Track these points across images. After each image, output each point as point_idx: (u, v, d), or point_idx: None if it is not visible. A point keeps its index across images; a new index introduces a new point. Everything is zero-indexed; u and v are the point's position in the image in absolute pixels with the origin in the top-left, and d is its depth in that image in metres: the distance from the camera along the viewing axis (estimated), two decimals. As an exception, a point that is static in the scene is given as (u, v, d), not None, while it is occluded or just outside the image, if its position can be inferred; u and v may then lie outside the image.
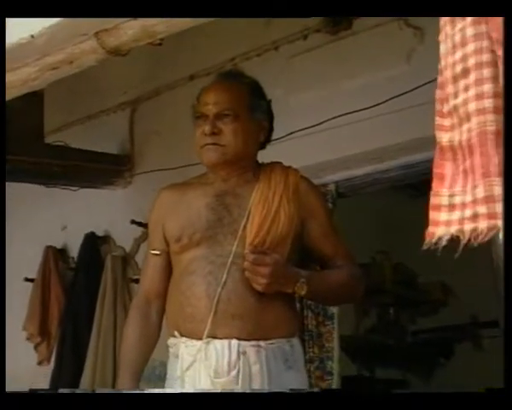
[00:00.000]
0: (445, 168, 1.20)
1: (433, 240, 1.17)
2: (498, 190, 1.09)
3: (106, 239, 3.84)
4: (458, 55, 1.17)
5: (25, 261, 4.08)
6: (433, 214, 1.19)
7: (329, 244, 1.99)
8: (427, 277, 4.67)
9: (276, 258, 1.84)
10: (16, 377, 3.56)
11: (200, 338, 1.82)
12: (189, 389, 1.83)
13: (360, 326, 4.64)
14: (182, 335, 1.88)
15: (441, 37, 1.22)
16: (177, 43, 2.70)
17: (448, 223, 1.16)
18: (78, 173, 3.68)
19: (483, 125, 1.11)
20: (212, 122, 1.93)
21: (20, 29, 1.78)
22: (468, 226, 1.12)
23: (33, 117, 3.48)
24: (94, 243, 3.82)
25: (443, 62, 1.21)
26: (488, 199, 1.09)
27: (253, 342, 1.82)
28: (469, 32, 1.16)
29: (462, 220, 1.13)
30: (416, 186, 4.21)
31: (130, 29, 1.76)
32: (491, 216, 1.09)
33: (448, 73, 1.19)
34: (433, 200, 1.19)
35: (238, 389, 1.78)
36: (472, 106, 1.13)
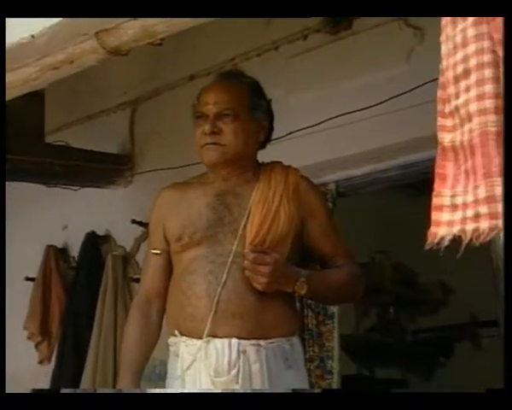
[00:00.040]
0: (446, 169, 1.20)
1: (436, 240, 1.17)
2: (500, 190, 1.09)
3: (106, 238, 3.84)
4: (459, 55, 1.17)
5: (26, 261, 4.09)
6: (435, 215, 1.19)
7: (329, 244, 2.00)
8: (427, 276, 4.68)
9: (276, 257, 1.84)
10: (17, 377, 3.58)
11: (201, 337, 1.82)
12: (189, 387, 1.83)
13: (360, 326, 4.64)
14: (182, 334, 1.88)
15: (442, 37, 1.23)
16: (177, 44, 2.71)
17: (450, 223, 1.16)
18: (79, 173, 3.68)
19: (484, 126, 1.12)
20: (212, 122, 1.94)
21: (20, 29, 1.78)
22: (469, 226, 1.12)
23: (34, 117, 3.49)
24: (95, 243, 3.82)
25: (444, 63, 1.22)
26: (489, 199, 1.10)
27: (253, 341, 1.82)
28: (470, 32, 1.16)
29: (463, 220, 1.14)
30: (415, 186, 4.22)
31: (130, 29, 1.76)
32: (492, 216, 1.09)
33: (449, 74, 1.19)
34: (435, 200, 1.20)
35: (238, 387, 1.78)
36: (473, 106, 1.14)
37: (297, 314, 2.14)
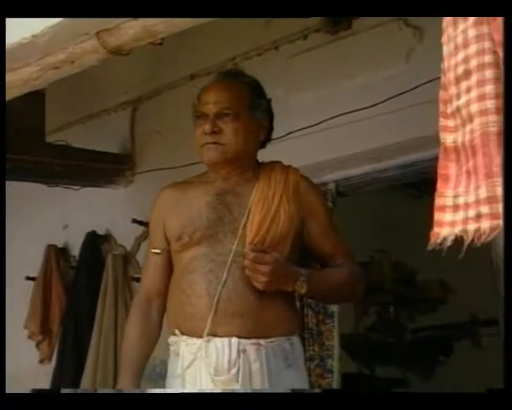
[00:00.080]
0: (449, 169, 1.21)
1: (438, 240, 1.17)
2: (501, 190, 1.09)
3: (107, 238, 3.84)
4: (460, 56, 1.18)
5: (26, 260, 4.09)
6: (437, 215, 1.19)
7: (329, 243, 2.00)
8: (427, 275, 4.68)
9: (276, 256, 1.85)
10: (18, 376, 3.58)
11: (201, 336, 1.83)
12: (189, 386, 1.83)
13: (360, 324, 4.64)
14: (182, 333, 1.88)
15: (444, 38, 1.23)
16: (177, 43, 2.71)
17: (452, 223, 1.17)
18: (80, 172, 3.68)
19: (485, 126, 1.12)
20: (212, 121, 1.94)
21: (21, 29, 1.79)
22: (471, 227, 1.13)
23: (35, 116, 3.49)
24: (95, 242, 3.82)
25: (446, 64, 1.22)
26: (491, 199, 1.10)
27: (253, 341, 1.83)
28: (471, 33, 1.17)
29: (465, 221, 1.14)
30: (414, 185, 4.23)
31: (131, 29, 1.77)
32: (493, 216, 1.10)
33: (451, 75, 1.20)
34: (438, 200, 1.20)
35: (238, 386, 1.78)
36: (474, 107, 1.14)
37: (297, 313, 2.14)
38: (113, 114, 3.93)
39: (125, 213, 3.62)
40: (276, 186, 1.97)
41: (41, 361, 3.92)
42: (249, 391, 1.78)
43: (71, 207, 4.00)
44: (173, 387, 1.89)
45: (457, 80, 1.18)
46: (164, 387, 1.95)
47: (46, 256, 4.00)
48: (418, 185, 4.25)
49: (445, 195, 1.20)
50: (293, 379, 1.87)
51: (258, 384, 1.80)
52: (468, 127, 1.15)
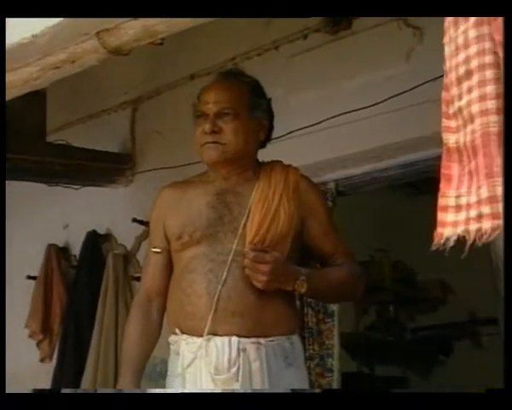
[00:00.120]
0: (452, 169, 1.21)
1: (442, 241, 1.18)
2: (501, 190, 1.10)
3: (107, 237, 3.85)
4: (461, 57, 1.18)
5: (27, 259, 4.09)
6: (440, 215, 1.20)
7: (329, 242, 2.00)
8: (426, 274, 4.69)
9: (276, 256, 1.85)
10: (19, 375, 3.59)
11: (201, 335, 1.83)
12: (189, 385, 1.84)
13: (360, 324, 4.65)
14: (182, 332, 1.89)
15: (445, 39, 1.24)
16: (177, 43, 2.71)
17: (455, 224, 1.17)
18: (80, 172, 3.69)
19: (486, 127, 1.12)
20: (212, 121, 1.94)
21: (21, 29, 1.79)
22: (473, 227, 1.13)
23: (35, 116, 3.50)
24: (95, 241, 3.83)
25: (447, 64, 1.22)
26: (492, 199, 1.11)
27: (253, 340, 1.83)
28: (472, 33, 1.17)
29: (467, 221, 1.15)
30: (414, 185, 4.23)
31: (131, 29, 1.77)
32: (494, 216, 1.10)
33: (452, 75, 1.20)
34: (441, 201, 1.20)
35: (238, 385, 1.79)
36: (475, 107, 1.14)
37: (297, 313, 2.14)
38: (113, 113, 3.93)
39: (125, 212, 3.63)
40: (276, 186, 1.97)
41: (42, 360, 3.92)
42: (249, 391, 1.78)
43: (71, 207, 4.00)
44: (174, 386, 1.89)
45: (459, 81, 1.18)
46: (164, 386, 1.96)
47: (47, 256, 4.00)
48: (418, 185, 4.26)
49: (448, 195, 1.20)
50: (293, 378, 1.87)
51: (258, 383, 1.80)
52: (469, 128, 1.16)
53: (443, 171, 1.22)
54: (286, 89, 3.03)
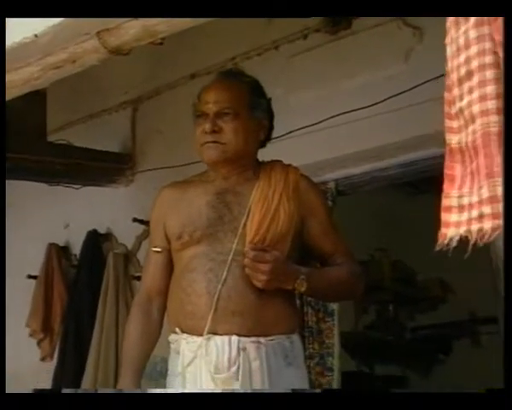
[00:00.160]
0: (455, 170, 1.21)
1: (446, 241, 1.18)
2: (501, 190, 1.10)
3: (108, 237, 3.85)
4: (462, 57, 1.18)
5: (28, 259, 4.10)
6: (444, 216, 1.20)
7: (329, 242, 2.01)
8: (426, 274, 4.69)
9: (276, 255, 1.85)
10: (20, 374, 3.60)
11: (201, 335, 1.83)
12: (189, 384, 1.84)
13: (359, 323, 4.65)
14: (183, 331, 1.89)
15: (447, 40, 1.24)
16: (178, 43, 2.72)
17: (458, 224, 1.17)
18: (81, 172, 3.69)
19: (486, 127, 1.12)
20: (212, 120, 1.94)
21: (22, 28, 1.79)
22: (474, 227, 1.13)
23: (36, 116, 3.51)
24: (96, 241, 3.83)
25: (449, 65, 1.22)
26: (492, 199, 1.11)
27: (253, 339, 1.83)
28: (472, 34, 1.17)
29: (469, 221, 1.15)
30: (414, 184, 4.24)
31: (131, 29, 1.77)
32: (495, 216, 1.10)
33: (454, 76, 1.20)
34: (445, 201, 1.21)
35: (238, 384, 1.79)
36: (476, 108, 1.14)
37: (297, 312, 2.15)
38: (113, 113, 3.94)
39: (125, 211, 3.63)
40: (276, 185, 1.97)
41: (42, 359, 3.93)
42: (249, 390, 1.78)
43: (72, 206, 4.01)
44: (174, 385, 1.89)
45: (460, 81, 1.19)
46: (164, 385, 1.96)
47: (47, 255, 4.01)
48: (418, 184, 4.27)
49: (451, 195, 1.20)
50: (293, 377, 1.87)
51: (258, 382, 1.81)
52: (470, 128, 1.16)
53: (446, 171, 1.23)
54: (286, 89, 3.03)
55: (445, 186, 1.22)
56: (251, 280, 1.84)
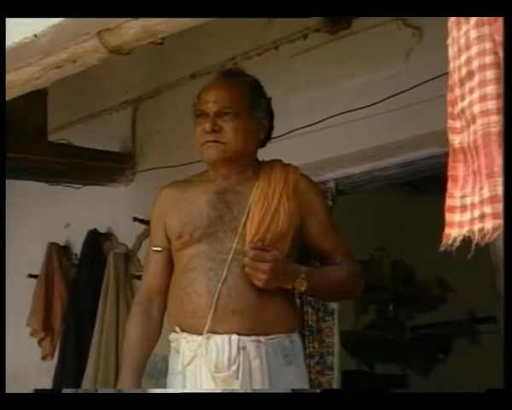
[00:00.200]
0: (457, 170, 1.21)
1: (450, 241, 1.18)
2: (501, 190, 1.10)
3: (108, 236, 3.85)
4: (463, 57, 1.19)
5: (28, 258, 4.10)
6: (448, 216, 1.20)
7: (329, 241, 2.01)
8: (426, 273, 4.70)
9: (275, 254, 1.85)
10: (20, 373, 3.61)
11: (201, 334, 1.84)
12: (190, 383, 1.84)
13: (359, 322, 4.66)
14: (183, 330, 1.89)
15: (449, 40, 1.24)
16: (178, 43, 2.72)
17: (461, 224, 1.18)
18: (81, 171, 3.70)
19: (486, 127, 1.13)
20: (212, 120, 1.95)
21: (23, 28, 1.80)
22: (476, 227, 1.13)
23: (37, 115, 3.51)
24: (96, 240, 3.84)
25: (451, 65, 1.23)
26: (493, 199, 1.11)
27: (253, 338, 1.84)
28: (473, 34, 1.17)
29: (472, 221, 1.15)
30: (414, 184, 4.24)
31: (131, 29, 1.78)
32: (495, 216, 1.11)
33: (455, 76, 1.21)
34: (448, 201, 1.21)
35: (238, 383, 1.79)
36: (476, 108, 1.15)
37: (297, 311, 2.15)
38: (114, 113, 3.94)
39: (126, 211, 3.64)
40: (276, 185, 1.97)
41: (43, 358, 3.93)
42: (249, 389, 1.79)
43: (72, 206, 4.01)
44: (174, 384, 1.90)
45: (461, 82, 1.19)
46: (165, 384, 1.96)
47: (48, 254, 4.01)
48: (418, 184, 4.27)
49: (454, 196, 1.20)
50: (293, 376, 1.88)
51: (258, 381, 1.81)
52: (471, 128, 1.16)
53: (449, 172, 1.23)
54: (286, 88, 3.04)
55: (449, 186, 1.22)
56: (251, 279, 1.85)
